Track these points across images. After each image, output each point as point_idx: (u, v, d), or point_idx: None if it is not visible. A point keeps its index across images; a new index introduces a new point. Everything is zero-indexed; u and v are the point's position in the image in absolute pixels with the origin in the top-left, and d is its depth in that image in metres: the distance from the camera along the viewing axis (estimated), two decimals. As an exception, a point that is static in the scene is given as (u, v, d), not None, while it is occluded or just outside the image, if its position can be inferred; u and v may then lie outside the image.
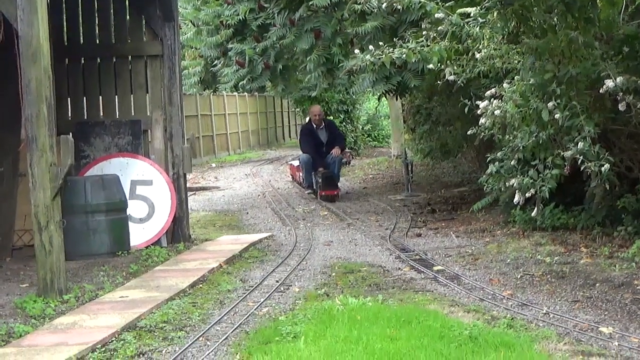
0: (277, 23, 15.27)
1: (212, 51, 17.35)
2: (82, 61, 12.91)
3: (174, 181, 12.15)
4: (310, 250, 11.57)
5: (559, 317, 7.26)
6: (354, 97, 31.94)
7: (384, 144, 38.30)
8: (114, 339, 6.99)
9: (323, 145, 18.62)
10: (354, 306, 7.46)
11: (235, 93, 34.48)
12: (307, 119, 21.13)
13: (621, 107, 8.50)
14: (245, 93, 34.83)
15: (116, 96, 12.84)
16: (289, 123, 49.97)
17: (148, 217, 11.79)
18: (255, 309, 7.99)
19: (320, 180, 17.72)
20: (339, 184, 18.69)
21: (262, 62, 16.14)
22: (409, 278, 9.38)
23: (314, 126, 18.89)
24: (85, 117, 12.73)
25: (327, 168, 18.05)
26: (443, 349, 5.84)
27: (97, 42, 12.91)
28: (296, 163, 21.80)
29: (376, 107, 39.21)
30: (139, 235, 11.65)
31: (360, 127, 36.64)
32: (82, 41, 12.90)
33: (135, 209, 11.70)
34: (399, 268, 10.03)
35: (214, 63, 17.84)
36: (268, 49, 15.79)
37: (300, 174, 20.13)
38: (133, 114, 12.70)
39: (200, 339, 7.00)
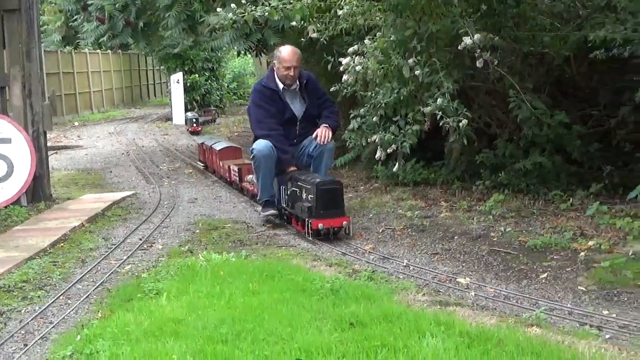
0: (137, -23, 15.02)
1: (72, 5, 16.89)
2: None
3: (34, 139, 11.80)
4: (174, 207, 11.48)
5: (418, 269, 7.39)
6: (219, 54, 31.74)
7: (250, 101, 38.24)
8: (-30, 299, 6.81)
9: (296, 121, 10.03)
10: (217, 262, 7.44)
11: (99, 50, 33.88)
12: (268, 72, 10.69)
13: (479, 64, 8.70)
14: (109, 51, 34.22)
15: (-28, 52, 12.38)
16: (154, 81, 49.41)
17: (7, 176, 11.43)
18: (117, 267, 7.89)
19: (310, 198, 8.80)
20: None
21: (123, 19, 15.84)
22: (272, 234, 9.40)
23: (280, 87, 9.94)
24: (-61, 74, 12.24)
25: (303, 165, 10.03)
26: (305, 302, 5.88)
27: (-50, -5, 12.42)
28: (211, 142, 14.96)
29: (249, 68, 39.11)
30: (-2, 194, 11.34)
31: (226, 85, 36.56)
32: None
33: (-7, 168, 11.37)
34: (263, 224, 10.04)
35: (74, 18, 17.37)
36: (129, 4, 15.50)
37: (238, 175, 12.41)
38: (-10, 70, 12.29)
39: (61, 297, 6.87)
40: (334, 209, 8.76)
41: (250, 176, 11.28)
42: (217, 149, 13.87)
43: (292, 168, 9.73)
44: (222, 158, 13.54)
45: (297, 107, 10.04)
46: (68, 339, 5.44)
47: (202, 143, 15.93)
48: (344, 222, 8.79)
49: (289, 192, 9.46)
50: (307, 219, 8.73)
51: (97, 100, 37.89)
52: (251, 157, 9.99)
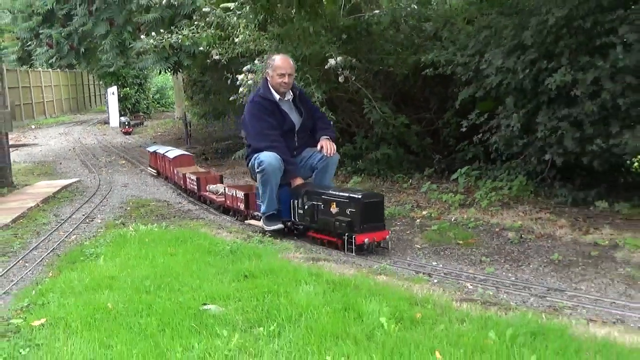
0: (78, 13, 14.64)
1: (26, 34, 16.38)
2: None
3: (-2, 139, 11.43)
4: (110, 190, 11.26)
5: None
6: (145, 72, 31.23)
7: (170, 109, 37.77)
8: (-55, 265, 6.54)
9: (294, 132, 7.50)
10: (144, 231, 7.33)
11: (50, 69, 32.82)
12: (261, 84, 7.67)
13: (341, 79, 8.82)
14: (58, 69, 33.25)
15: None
16: (95, 93, 48.23)
17: (-24, 167, 11.02)
18: (65, 237, 7.70)
19: (350, 212, 6.45)
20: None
21: (68, 44, 15.44)
22: (187, 209, 9.32)
23: (276, 97, 7.40)
24: None
25: (303, 177, 7.43)
26: (210, 261, 5.85)
27: None
28: (163, 150, 12.70)
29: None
30: (-32, 182, 10.90)
31: (151, 95, 35.98)
32: None
33: (-36, 161, 10.90)
34: (180, 202, 9.95)
35: (28, 44, 16.83)
36: (72, 33, 15.10)
37: (197, 185, 9.98)
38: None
39: (21, 261, 6.66)
40: (377, 222, 6.49)
41: (213, 186, 9.61)
42: (170, 157, 11.69)
43: (299, 180, 7.31)
44: (175, 165, 11.40)
45: (295, 118, 7.48)
46: (25, 293, 5.29)
47: (155, 151, 13.25)
48: (384, 235, 6.51)
49: (306, 205, 7.01)
50: (348, 234, 6.45)
51: (49, 108, 36.77)
52: (259, 170, 7.17)
